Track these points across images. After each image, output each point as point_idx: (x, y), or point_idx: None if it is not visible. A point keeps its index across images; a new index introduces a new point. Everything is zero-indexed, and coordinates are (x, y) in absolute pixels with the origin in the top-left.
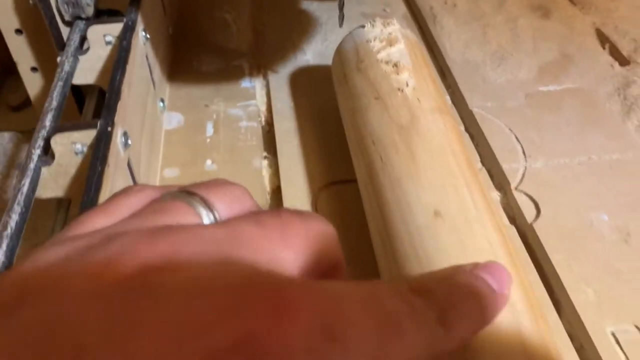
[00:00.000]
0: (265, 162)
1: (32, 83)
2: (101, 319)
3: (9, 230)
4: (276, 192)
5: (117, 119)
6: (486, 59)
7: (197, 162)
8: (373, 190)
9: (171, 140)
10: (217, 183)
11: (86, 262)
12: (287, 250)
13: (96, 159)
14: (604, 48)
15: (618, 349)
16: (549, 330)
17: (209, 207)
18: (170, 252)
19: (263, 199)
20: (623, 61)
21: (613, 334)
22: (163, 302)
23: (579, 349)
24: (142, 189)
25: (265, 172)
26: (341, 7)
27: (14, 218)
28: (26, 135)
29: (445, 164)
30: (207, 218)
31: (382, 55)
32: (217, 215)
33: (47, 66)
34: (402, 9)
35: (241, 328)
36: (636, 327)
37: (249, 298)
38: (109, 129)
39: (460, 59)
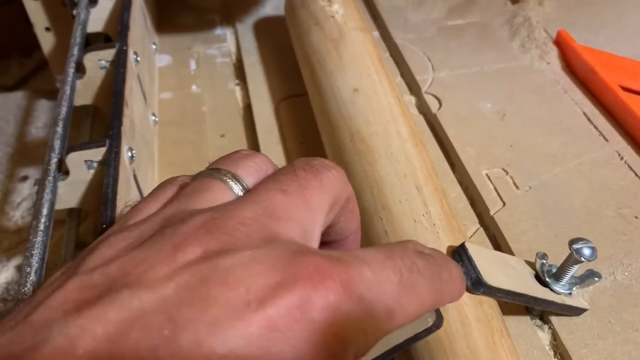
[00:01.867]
0: (237, 87)
1: (47, 41)
2: (181, 298)
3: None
4: (247, 109)
5: (129, 42)
6: (408, 4)
7: (185, 88)
8: (314, 84)
9: (164, 74)
10: (240, 155)
11: (155, 250)
12: (311, 214)
13: (118, 69)
14: None
15: (489, 182)
16: (427, 153)
17: (237, 179)
18: (224, 237)
19: (237, 113)
20: (514, 0)
21: (487, 175)
22: (230, 279)
23: (465, 189)
24: (177, 177)
25: (238, 94)
26: None
27: (63, 111)
28: (38, 94)
29: (362, 59)
30: (237, 189)
31: None
32: (245, 185)
33: (58, 25)
34: None
35: (293, 297)
36: (502, 169)
37: (295, 274)
38: (125, 47)
39: (387, 5)
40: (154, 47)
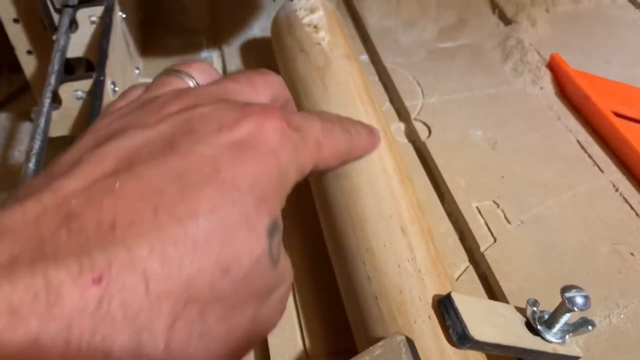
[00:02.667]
0: None
1: (29, 64)
2: (173, 131)
3: (32, 162)
4: None
5: (107, 71)
6: (398, 25)
7: None
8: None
9: None
10: (192, 61)
11: (144, 112)
12: (258, 96)
13: (95, 100)
14: (493, 12)
15: (480, 217)
16: (414, 189)
17: (191, 77)
18: (194, 98)
19: None
20: (506, 21)
21: (477, 208)
22: (206, 118)
23: (454, 222)
24: (139, 83)
25: None
26: None
27: (36, 145)
28: (22, 115)
29: (347, 89)
30: (192, 84)
31: (305, 20)
32: (198, 82)
33: (40, 49)
34: None
35: (251, 123)
36: (493, 201)
37: (250, 112)
38: (102, 78)
39: (378, 26)
40: (137, 71)
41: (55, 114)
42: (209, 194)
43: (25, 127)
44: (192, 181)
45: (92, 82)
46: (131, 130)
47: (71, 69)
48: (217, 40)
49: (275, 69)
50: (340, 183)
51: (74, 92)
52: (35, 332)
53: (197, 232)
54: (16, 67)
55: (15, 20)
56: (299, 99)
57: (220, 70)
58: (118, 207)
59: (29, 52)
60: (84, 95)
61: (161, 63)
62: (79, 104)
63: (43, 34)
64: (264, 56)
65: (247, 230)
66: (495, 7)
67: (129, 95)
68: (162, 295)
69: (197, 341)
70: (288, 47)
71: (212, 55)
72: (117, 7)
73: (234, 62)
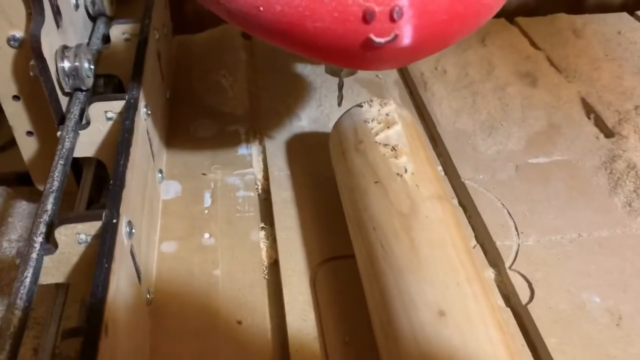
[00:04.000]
0: (262, 233)
1: (27, 146)
2: None
3: (11, 330)
4: (274, 266)
5: (122, 209)
6: (476, 128)
7: (194, 235)
8: (375, 277)
9: (169, 211)
10: None
11: None
12: None
13: (102, 255)
14: (589, 118)
15: None
16: None
17: None
18: None
19: (260, 273)
20: (608, 133)
21: None
22: None
23: None
24: None
25: (263, 245)
26: (340, 87)
27: (17, 315)
28: (16, 190)
29: (446, 257)
30: None
31: (380, 137)
32: None
33: (42, 130)
34: (394, 74)
35: None
36: None
37: None
38: (115, 220)
39: (451, 127)
40: (159, 176)
41: (48, 260)
42: None
43: (20, 208)
44: None
45: (102, 224)
46: None
47: (79, 167)
48: (257, 130)
49: (333, 185)
50: None
51: (76, 235)
52: None
53: None
54: None
55: (16, 97)
56: (373, 256)
57: (259, 171)
58: None
59: (29, 133)
60: (88, 240)
61: (189, 159)
62: (81, 249)
63: (47, 112)
64: (317, 160)
65: None
66: (590, 111)
67: None
68: None
69: None
70: (356, 171)
71: (252, 152)
72: (141, 102)
73: (279, 164)
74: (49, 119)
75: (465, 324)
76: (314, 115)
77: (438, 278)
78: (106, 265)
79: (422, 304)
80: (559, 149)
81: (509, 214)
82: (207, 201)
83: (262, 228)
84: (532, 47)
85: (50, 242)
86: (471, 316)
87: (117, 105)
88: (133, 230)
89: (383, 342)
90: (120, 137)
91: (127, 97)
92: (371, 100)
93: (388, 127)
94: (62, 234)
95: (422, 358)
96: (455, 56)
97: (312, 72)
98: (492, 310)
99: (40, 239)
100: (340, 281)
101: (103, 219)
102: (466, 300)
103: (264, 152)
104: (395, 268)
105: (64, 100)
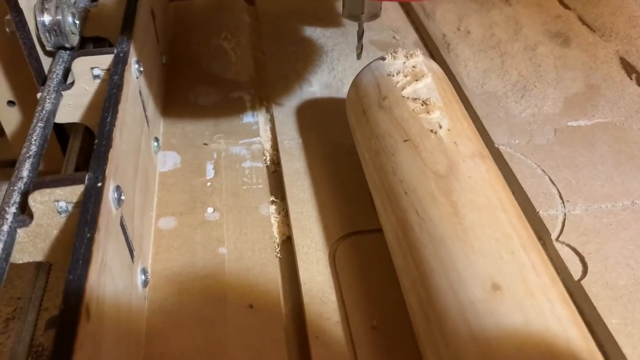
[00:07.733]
0: (272, 207)
1: (9, 118)
2: None
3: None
4: (287, 243)
5: (108, 171)
6: (507, 90)
7: (196, 210)
8: (409, 249)
9: (166, 184)
10: None
11: None
12: None
13: (84, 223)
14: (630, 78)
15: None
16: None
17: None
18: None
19: (272, 251)
20: None
21: None
22: None
23: None
24: None
25: (274, 220)
26: (360, 36)
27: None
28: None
29: (496, 222)
30: None
31: (407, 91)
32: None
33: (25, 99)
34: (413, 35)
35: None
36: None
37: None
38: (99, 184)
39: (479, 90)
40: (155, 144)
41: (22, 233)
42: None
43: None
44: None
45: (84, 188)
46: None
47: (65, 136)
48: (263, 97)
49: (352, 152)
50: None
51: (55, 203)
52: None
53: None
54: None
55: None
56: (406, 225)
57: (267, 140)
58: None
59: (10, 103)
60: (69, 208)
61: (188, 128)
62: (61, 221)
63: (31, 79)
64: (332, 127)
65: None
66: (631, 71)
67: None
68: None
69: None
70: (381, 131)
71: (258, 120)
72: (132, 57)
73: (287, 131)
74: (33, 86)
75: (526, 299)
76: (326, 80)
77: (489, 247)
78: (88, 235)
79: (471, 277)
80: (600, 111)
81: (551, 181)
82: (210, 173)
83: (273, 202)
84: (561, 7)
85: (25, 214)
86: (532, 289)
87: (105, 60)
88: (122, 197)
89: (423, 324)
90: (108, 93)
91: (115, 50)
92: (395, 52)
93: (416, 81)
94: (38, 201)
95: (475, 342)
96: (480, 16)
97: (322, 35)
98: (554, 283)
99: (13, 209)
100: (363, 258)
101: (85, 182)
102: (524, 271)
103: (272, 120)
104: (435, 237)
105: (46, 61)
